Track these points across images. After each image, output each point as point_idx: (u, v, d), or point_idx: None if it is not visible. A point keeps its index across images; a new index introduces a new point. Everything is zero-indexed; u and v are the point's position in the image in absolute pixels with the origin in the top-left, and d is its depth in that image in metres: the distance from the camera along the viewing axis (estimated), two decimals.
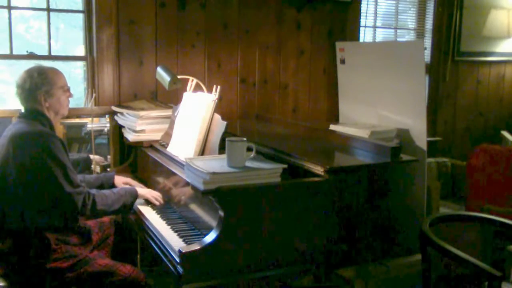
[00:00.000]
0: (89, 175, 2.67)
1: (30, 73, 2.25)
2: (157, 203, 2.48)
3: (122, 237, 2.73)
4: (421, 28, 4.57)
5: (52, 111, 2.30)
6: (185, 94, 2.75)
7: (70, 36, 3.46)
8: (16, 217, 2.14)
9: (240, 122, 3.55)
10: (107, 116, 3.20)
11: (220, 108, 2.80)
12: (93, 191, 2.23)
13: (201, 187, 1.86)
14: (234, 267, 1.89)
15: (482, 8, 4.67)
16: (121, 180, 2.69)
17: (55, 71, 2.32)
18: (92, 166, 2.93)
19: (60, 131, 3.05)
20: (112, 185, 2.64)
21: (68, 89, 2.36)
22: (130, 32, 3.27)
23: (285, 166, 2.02)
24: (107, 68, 3.24)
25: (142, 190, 2.49)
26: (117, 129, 3.14)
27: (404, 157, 2.28)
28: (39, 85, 2.24)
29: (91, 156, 2.91)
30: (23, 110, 2.31)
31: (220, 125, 2.35)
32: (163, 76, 2.82)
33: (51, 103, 2.28)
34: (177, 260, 1.85)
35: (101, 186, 2.59)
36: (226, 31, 3.57)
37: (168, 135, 2.73)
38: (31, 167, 2.11)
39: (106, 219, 2.57)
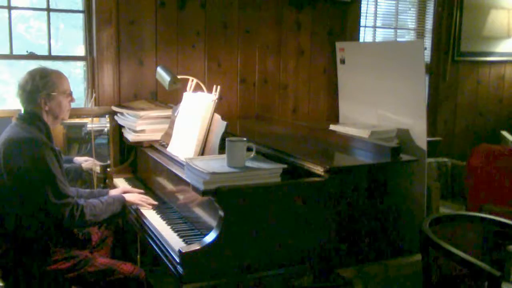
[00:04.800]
0: (83, 189, 2.62)
1: (32, 75, 2.23)
2: (149, 207, 2.45)
3: (122, 237, 2.73)
4: (421, 28, 4.57)
5: (51, 115, 2.27)
6: (185, 94, 2.75)
7: (70, 36, 3.46)
8: (12, 221, 2.14)
9: (240, 122, 3.55)
10: (107, 116, 3.20)
11: (220, 108, 2.80)
12: (82, 201, 2.19)
13: (201, 187, 1.86)
14: (234, 267, 1.89)
15: (482, 8, 4.67)
16: (118, 192, 2.65)
17: (58, 74, 2.29)
18: (84, 175, 2.91)
19: (60, 131, 3.05)
20: None
21: (70, 94, 2.33)
22: (130, 32, 3.27)
23: (285, 166, 2.02)
24: (107, 68, 3.24)
25: (130, 197, 2.44)
26: (117, 129, 3.14)
27: (404, 157, 2.28)
28: (40, 88, 2.21)
29: (84, 164, 2.89)
30: (22, 111, 2.29)
31: (220, 125, 2.35)
32: (163, 76, 2.82)
33: (51, 107, 2.25)
34: (177, 260, 1.85)
35: None
36: (226, 31, 3.57)
37: (168, 135, 2.73)
38: (20, 175, 2.09)
39: None
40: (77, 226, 2.29)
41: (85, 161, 2.94)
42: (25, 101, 2.25)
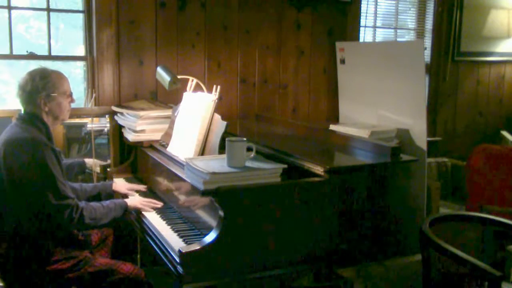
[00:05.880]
0: (86, 184, 2.63)
1: (32, 75, 2.22)
2: (151, 210, 2.43)
3: (122, 237, 2.73)
4: (421, 28, 4.57)
5: (51, 115, 2.26)
6: (185, 94, 2.75)
7: (70, 36, 3.46)
8: (12, 221, 2.14)
9: (240, 122, 3.55)
10: (107, 116, 3.20)
11: (220, 108, 2.80)
12: (82, 203, 2.17)
13: (201, 187, 1.86)
14: (234, 267, 1.89)
15: (482, 8, 4.67)
16: (125, 187, 2.66)
17: (58, 75, 2.28)
18: (87, 169, 2.92)
19: (60, 131, 3.05)
20: (110, 194, 2.60)
21: (70, 95, 2.32)
22: (130, 32, 3.27)
23: (285, 166, 2.03)
24: (107, 68, 3.24)
25: (132, 201, 2.43)
26: (117, 129, 3.14)
27: (404, 157, 2.28)
28: (40, 88, 2.20)
29: (86, 160, 2.90)
30: (22, 112, 2.29)
31: (220, 125, 2.35)
32: (163, 76, 2.82)
33: (51, 108, 2.24)
34: (177, 260, 1.85)
35: (98, 195, 2.55)
36: (226, 31, 3.57)
37: (168, 135, 2.73)
38: (20, 175, 2.08)
39: None
40: (76, 228, 2.29)
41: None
42: (25, 102, 2.24)
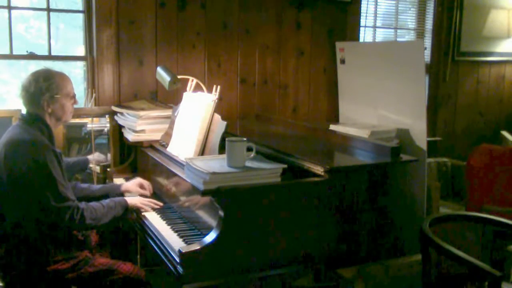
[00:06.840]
0: (94, 185, 2.62)
1: (36, 76, 2.21)
2: (149, 209, 2.43)
3: (122, 237, 2.73)
4: (421, 28, 4.57)
5: (54, 117, 2.26)
6: (185, 94, 2.75)
7: (70, 36, 3.46)
8: (12, 222, 2.14)
9: (240, 122, 3.55)
10: (107, 116, 3.20)
11: (220, 108, 2.80)
12: (82, 204, 2.17)
13: (201, 187, 1.86)
14: (234, 267, 1.89)
15: (482, 8, 4.67)
16: (133, 185, 2.62)
17: (62, 76, 2.28)
18: (91, 166, 2.92)
19: (60, 131, 3.05)
20: (119, 195, 2.56)
21: (74, 96, 2.32)
22: (130, 32, 3.27)
23: (285, 166, 2.03)
24: (107, 68, 3.24)
25: (132, 200, 2.42)
26: (117, 129, 3.14)
27: (404, 157, 2.28)
28: (43, 90, 2.19)
29: (90, 157, 2.90)
30: (24, 112, 2.28)
31: (220, 125, 2.35)
32: (163, 76, 2.82)
33: (54, 109, 2.24)
34: (177, 260, 1.85)
35: (106, 197, 2.55)
36: (226, 31, 3.57)
37: (168, 135, 2.73)
38: (21, 177, 2.08)
39: None
40: (77, 229, 2.29)
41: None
42: (28, 103, 2.24)
